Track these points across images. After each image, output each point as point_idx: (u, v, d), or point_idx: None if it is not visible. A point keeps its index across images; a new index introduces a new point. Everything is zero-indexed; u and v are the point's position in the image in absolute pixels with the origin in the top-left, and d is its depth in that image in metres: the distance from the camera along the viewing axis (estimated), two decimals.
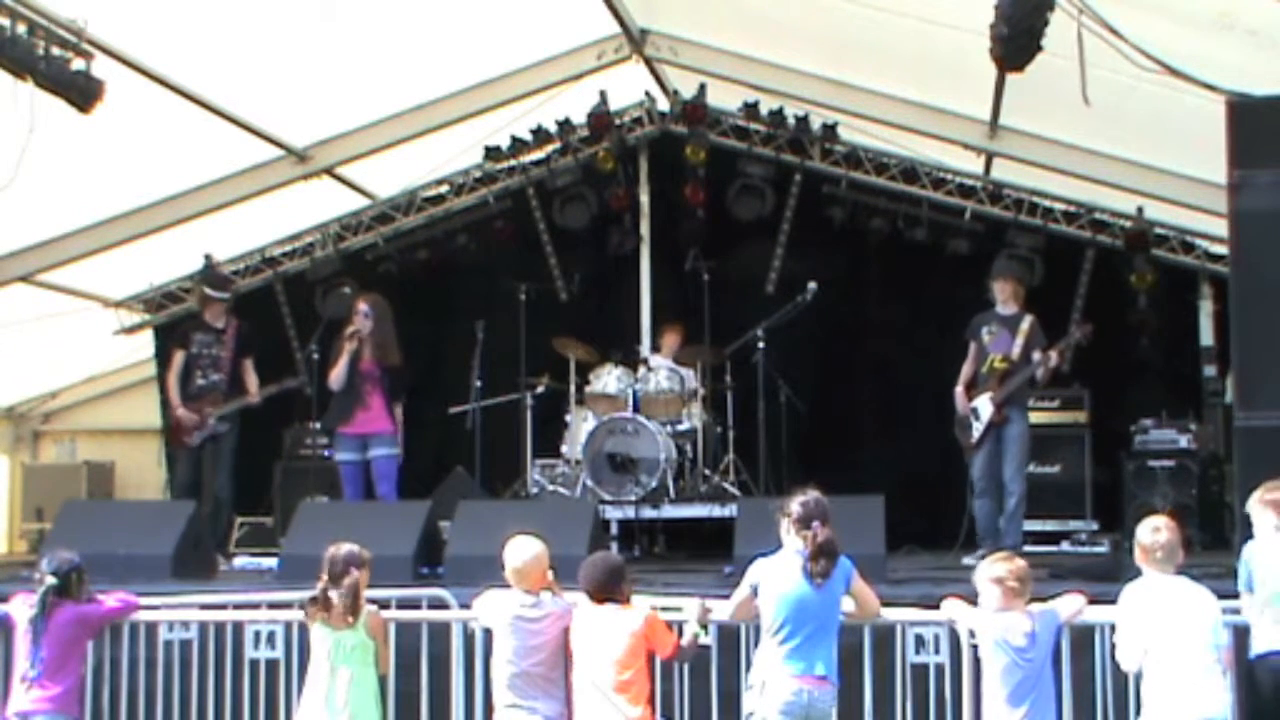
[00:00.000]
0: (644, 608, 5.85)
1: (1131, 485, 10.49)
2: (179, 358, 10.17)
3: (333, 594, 5.93)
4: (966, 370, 9.27)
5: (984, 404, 9.10)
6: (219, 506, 10.08)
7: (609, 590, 5.81)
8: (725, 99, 11.55)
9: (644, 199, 12.38)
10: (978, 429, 9.10)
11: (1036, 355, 9.05)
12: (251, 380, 10.21)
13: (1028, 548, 9.90)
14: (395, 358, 9.61)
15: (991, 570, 5.62)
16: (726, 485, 10.54)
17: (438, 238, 12.26)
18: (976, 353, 9.28)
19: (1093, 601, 5.82)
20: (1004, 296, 9.32)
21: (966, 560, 8.86)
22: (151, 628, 6.94)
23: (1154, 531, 5.58)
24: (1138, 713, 5.61)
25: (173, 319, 11.89)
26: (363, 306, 9.63)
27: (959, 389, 9.25)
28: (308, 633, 6.09)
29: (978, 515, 9.08)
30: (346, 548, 6.06)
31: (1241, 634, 5.83)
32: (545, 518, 7.80)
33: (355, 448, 9.47)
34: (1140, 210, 11.18)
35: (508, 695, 5.80)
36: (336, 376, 9.52)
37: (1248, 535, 6.02)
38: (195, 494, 9.86)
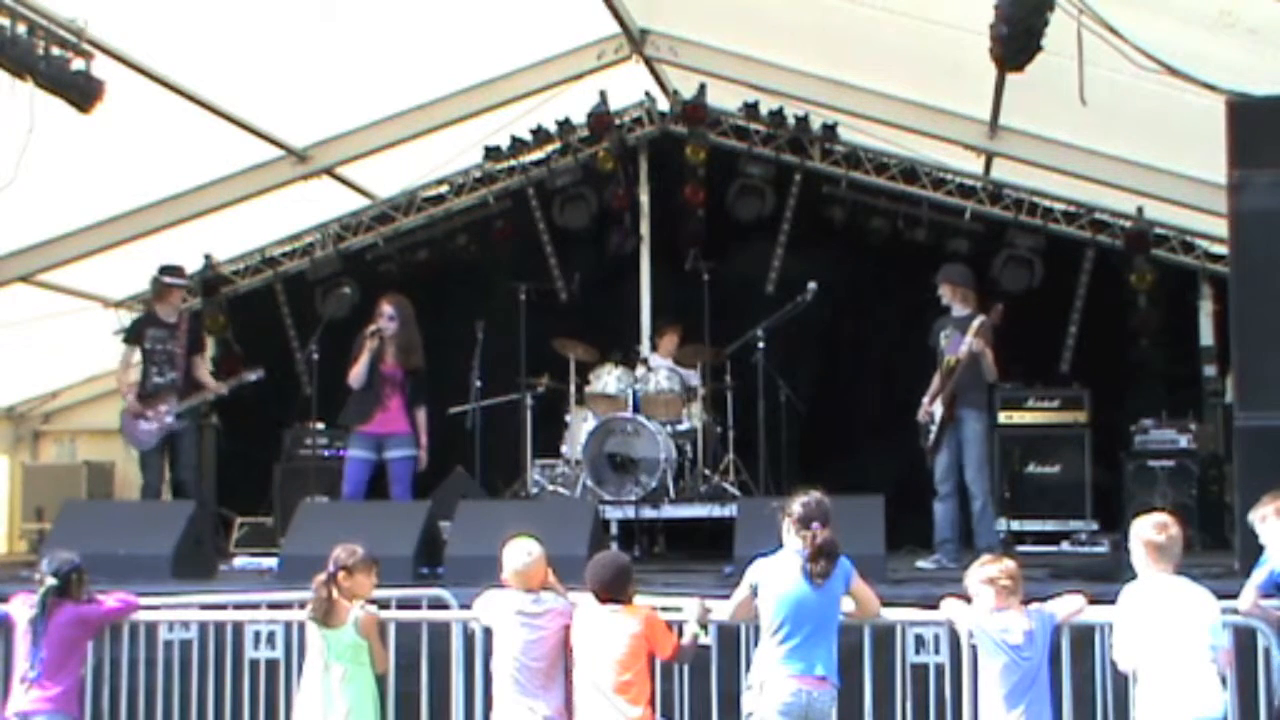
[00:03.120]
0: (644, 609, 5.85)
1: (1131, 485, 10.51)
2: (135, 355, 10.04)
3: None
4: (936, 380, 9.24)
5: (937, 407, 9.10)
6: None
7: (615, 590, 5.82)
8: (725, 99, 11.55)
9: (644, 199, 12.39)
10: (933, 431, 9.09)
11: (976, 347, 8.99)
12: (204, 374, 10.09)
13: (1028, 548, 9.96)
14: (418, 361, 9.54)
15: (983, 572, 5.65)
16: (726, 485, 10.54)
17: (438, 238, 12.28)
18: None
19: (1093, 601, 5.82)
20: (949, 299, 9.30)
21: (921, 564, 8.87)
22: (151, 628, 6.93)
23: (1161, 529, 5.57)
24: None
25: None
26: (387, 308, 9.49)
27: (926, 398, 9.20)
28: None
29: (937, 518, 9.01)
30: (339, 547, 6.09)
31: (1242, 635, 5.84)
32: (545, 518, 7.81)
33: (370, 447, 9.41)
34: (1140, 210, 11.18)
35: (508, 692, 5.81)
36: (357, 375, 9.40)
37: (1250, 539, 6.03)
38: (160, 497, 9.84)
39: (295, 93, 9.73)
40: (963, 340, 9.09)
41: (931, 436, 9.09)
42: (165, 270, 10.12)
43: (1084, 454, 10.76)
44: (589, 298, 12.30)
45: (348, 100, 10.20)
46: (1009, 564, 5.68)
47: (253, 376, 10.20)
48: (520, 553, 5.94)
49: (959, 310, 9.27)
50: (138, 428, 9.82)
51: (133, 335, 10.11)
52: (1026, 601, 5.66)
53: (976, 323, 9.09)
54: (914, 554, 9.53)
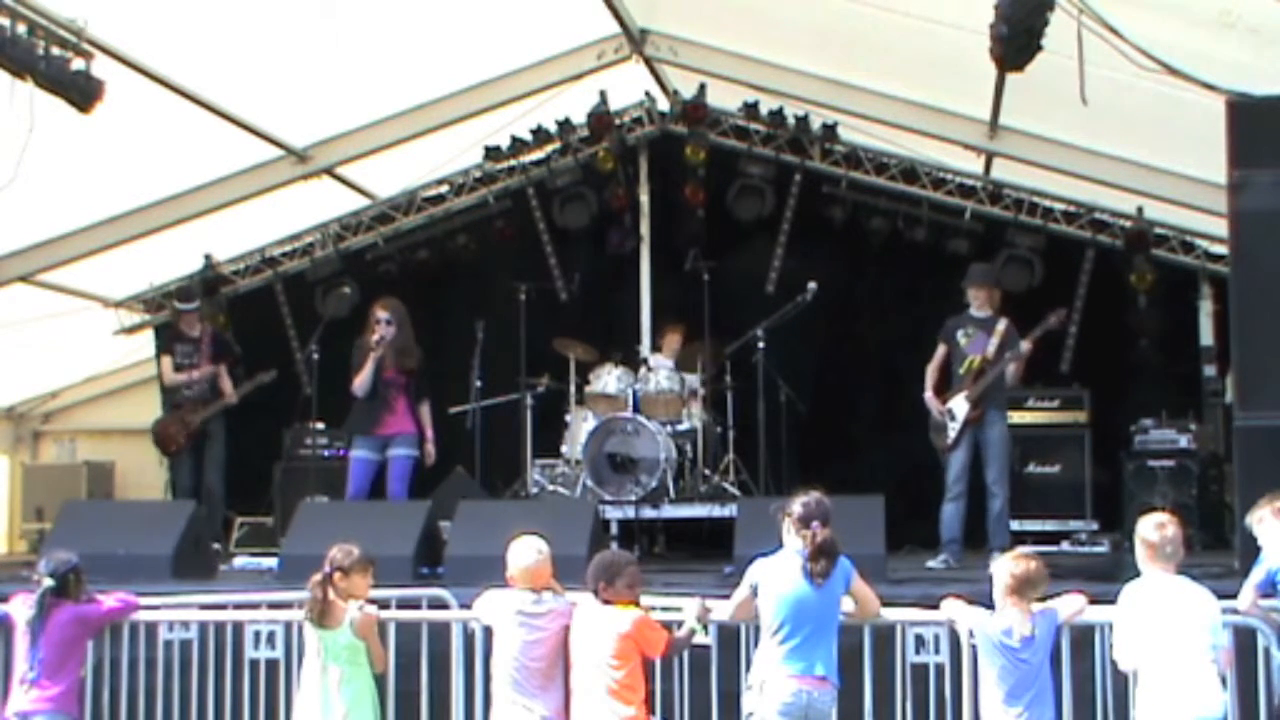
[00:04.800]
0: (634, 610, 5.83)
1: (1131, 485, 10.50)
2: (167, 363, 10.61)
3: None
4: (934, 374, 9.25)
5: (959, 404, 9.09)
6: (212, 505, 10.23)
7: (600, 581, 5.83)
8: (725, 99, 11.55)
9: (644, 199, 12.38)
10: (953, 429, 9.09)
11: (1027, 349, 9.07)
12: (224, 384, 10.54)
13: (1027, 548, 9.92)
14: (414, 362, 9.55)
15: (1004, 565, 5.63)
16: (726, 485, 10.53)
17: (438, 238, 12.27)
18: (946, 355, 9.27)
19: (1093, 601, 5.82)
20: (979, 302, 9.32)
21: (930, 564, 8.89)
22: (151, 628, 6.93)
23: (1159, 528, 5.58)
24: None
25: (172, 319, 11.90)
26: (383, 314, 9.50)
27: (929, 394, 9.24)
28: None
29: (945, 518, 9.03)
30: (335, 548, 6.08)
31: (1242, 635, 5.84)
32: (545, 518, 7.79)
33: (375, 448, 9.44)
34: (1140, 210, 11.18)
35: (508, 692, 5.81)
36: (361, 385, 9.42)
37: (1249, 539, 6.03)
38: (197, 496, 9.99)
39: (295, 93, 9.73)
40: (988, 341, 9.11)
41: (952, 435, 9.09)
42: (179, 296, 10.90)
43: (1084, 454, 10.75)
44: (589, 298, 12.29)
45: (348, 100, 10.20)
46: (1029, 565, 5.60)
47: (265, 378, 10.73)
48: (530, 550, 5.94)
49: (981, 311, 9.28)
50: (168, 432, 10.43)
51: (165, 345, 10.85)
52: (1031, 601, 5.65)
53: (1002, 326, 9.13)
54: (914, 554, 9.54)
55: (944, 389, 9.24)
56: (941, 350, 9.30)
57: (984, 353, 9.11)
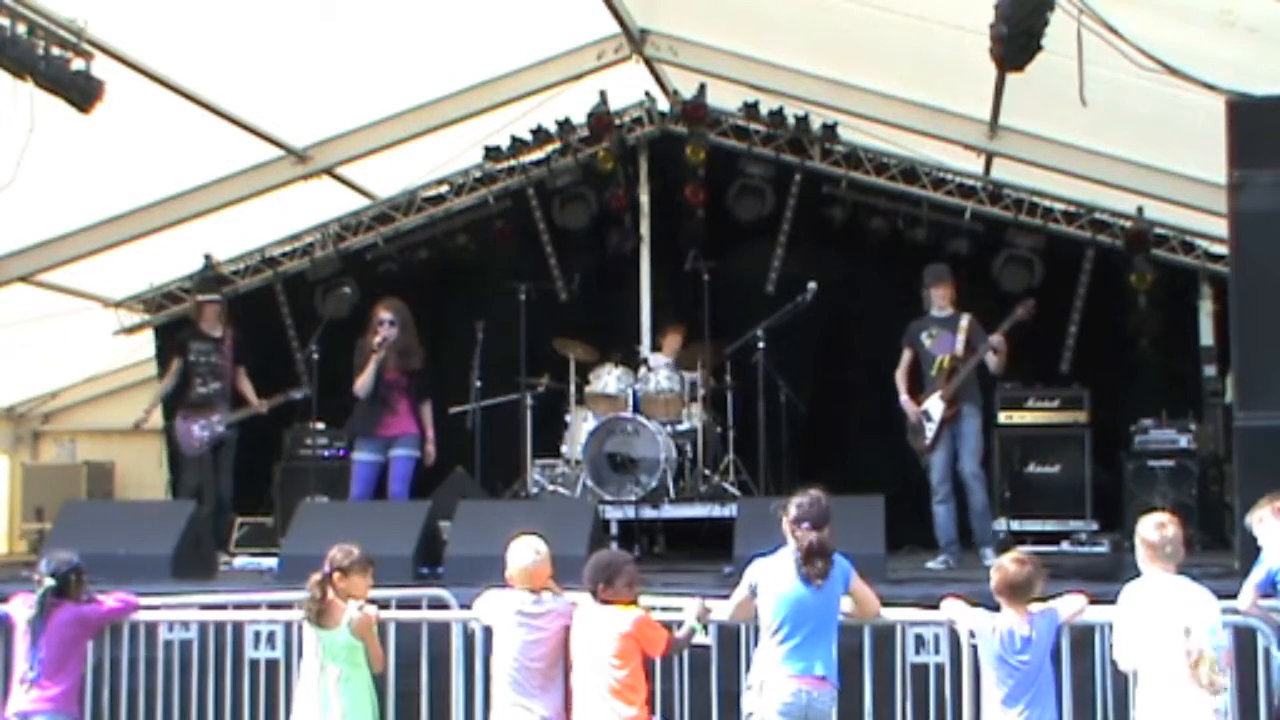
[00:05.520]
0: (634, 609, 5.84)
1: (1131, 485, 10.50)
2: (175, 366, 10.40)
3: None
4: (903, 379, 9.29)
5: (934, 403, 9.13)
6: (221, 508, 10.21)
7: (598, 582, 5.83)
8: (725, 99, 11.54)
9: (644, 199, 12.37)
10: (931, 429, 9.12)
11: (1000, 344, 9.11)
12: (247, 389, 10.43)
13: (1027, 548, 9.92)
14: (418, 363, 9.57)
15: (997, 567, 5.63)
16: (726, 485, 10.54)
17: (438, 238, 12.26)
18: (913, 359, 9.32)
19: (1093, 601, 5.82)
20: (943, 302, 9.36)
21: (930, 565, 8.92)
22: (151, 628, 6.94)
23: (1159, 528, 5.57)
24: None
25: (173, 319, 11.90)
26: (385, 315, 9.51)
27: (904, 397, 9.27)
28: None
29: (939, 520, 9.09)
30: (335, 548, 6.09)
31: (1242, 634, 5.84)
32: (545, 518, 7.80)
33: (378, 449, 9.46)
34: (1140, 210, 11.18)
35: (508, 693, 5.81)
36: (363, 386, 9.43)
37: (1249, 539, 6.04)
38: (199, 497, 9.94)
39: (295, 93, 9.72)
40: (954, 339, 9.16)
41: (930, 434, 9.11)
42: (200, 287, 10.76)
43: (1084, 454, 10.74)
44: (589, 298, 12.29)
45: (348, 100, 10.19)
46: (1018, 569, 5.61)
47: (297, 394, 10.56)
48: (528, 551, 5.94)
49: (943, 311, 9.33)
50: (191, 433, 10.20)
51: (175, 348, 10.57)
52: (1028, 601, 5.65)
53: (966, 321, 9.21)
54: (914, 554, 9.55)
55: (916, 393, 9.29)
56: (907, 355, 9.35)
57: (953, 351, 9.15)
